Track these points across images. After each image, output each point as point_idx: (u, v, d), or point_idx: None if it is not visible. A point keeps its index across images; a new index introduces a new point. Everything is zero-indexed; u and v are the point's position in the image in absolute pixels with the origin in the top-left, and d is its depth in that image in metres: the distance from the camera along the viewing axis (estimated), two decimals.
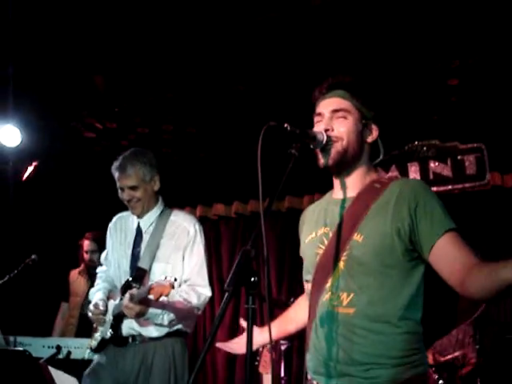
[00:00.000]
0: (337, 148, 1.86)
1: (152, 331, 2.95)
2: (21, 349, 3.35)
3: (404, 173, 5.35)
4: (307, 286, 2.00)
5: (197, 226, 3.08)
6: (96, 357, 3.10)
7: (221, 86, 4.67)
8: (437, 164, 5.29)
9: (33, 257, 4.37)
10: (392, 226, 1.78)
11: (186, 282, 3.00)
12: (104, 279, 3.27)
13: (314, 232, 1.96)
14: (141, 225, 3.11)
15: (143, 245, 3.05)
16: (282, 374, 4.52)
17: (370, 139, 1.95)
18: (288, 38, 4.01)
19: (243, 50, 4.17)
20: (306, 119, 2.01)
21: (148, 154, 3.10)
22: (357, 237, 1.80)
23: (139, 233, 3.11)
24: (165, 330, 2.96)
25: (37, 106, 4.86)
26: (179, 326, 2.99)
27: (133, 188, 3.00)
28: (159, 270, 2.95)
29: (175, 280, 2.63)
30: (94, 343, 3.11)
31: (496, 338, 4.29)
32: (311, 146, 1.87)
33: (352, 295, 1.78)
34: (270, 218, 1.68)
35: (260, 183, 1.56)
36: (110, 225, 3.28)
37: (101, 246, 4.29)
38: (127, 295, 2.78)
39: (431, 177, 5.30)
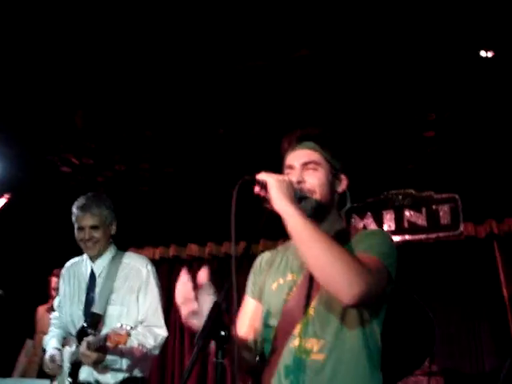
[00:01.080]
0: (312, 204, 1.85)
1: (108, 378, 2.89)
2: None
3: (379, 220, 5.39)
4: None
5: (149, 267, 3.08)
6: None
7: (201, 128, 4.70)
8: (412, 213, 5.34)
9: None
10: None
11: (141, 323, 2.98)
12: (58, 326, 3.24)
13: (282, 278, 1.92)
14: (94, 269, 3.09)
15: (97, 289, 3.03)
16: None
17: (340, 190, 1.95)
18: (271, 85, 4.07)
19: (224, 94, 4.21)
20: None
21: (108, 199, 3.14)
22: None
23: (93, 277, 3.08)
24: (121, 376, 2.90)
25: (12, 138, 4.81)
26: (135, 372, 2.95)
27: (94, 228, 3.01)
28: (115, 313, 2.94)
29: (131, 328, 2.64)
30: None
31: None
32: None
33: (322, 342, 1.75)
34: (246, 261, 1.66)
35: (233, 237, 1.55)
36: (63, 271, 3.23)
37: None
38: (84, 343, 2.75)
39: (406, 225, 5.34)
